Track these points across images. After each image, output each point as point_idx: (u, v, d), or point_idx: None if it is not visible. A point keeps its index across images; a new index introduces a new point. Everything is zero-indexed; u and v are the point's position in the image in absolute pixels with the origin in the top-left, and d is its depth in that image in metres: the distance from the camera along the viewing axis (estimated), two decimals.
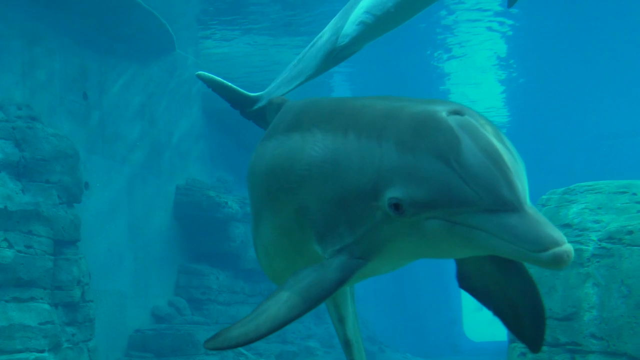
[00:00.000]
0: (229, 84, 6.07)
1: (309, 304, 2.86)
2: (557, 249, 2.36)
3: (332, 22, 6.19)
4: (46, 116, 15.78)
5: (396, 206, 2.61)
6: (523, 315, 3.31)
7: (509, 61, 25.91)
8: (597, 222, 9.86)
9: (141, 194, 19.50)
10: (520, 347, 9.91)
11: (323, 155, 2.90)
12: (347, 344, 4.16)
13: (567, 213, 10.17)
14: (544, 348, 9.65)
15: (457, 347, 33.67)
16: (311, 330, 23.76)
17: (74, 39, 17.42)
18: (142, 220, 19.43)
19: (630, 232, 9.11)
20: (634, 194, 10.20)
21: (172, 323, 19.11)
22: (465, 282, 3.27)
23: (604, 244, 9.30)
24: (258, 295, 21.75)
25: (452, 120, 2.58)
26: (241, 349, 19.48)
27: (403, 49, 22.37)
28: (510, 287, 3.24)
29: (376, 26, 5.96)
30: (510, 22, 22.05)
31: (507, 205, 2.43)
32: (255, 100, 6.12)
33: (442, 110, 2.62)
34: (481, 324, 37.32)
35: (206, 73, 6.09)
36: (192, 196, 20.71)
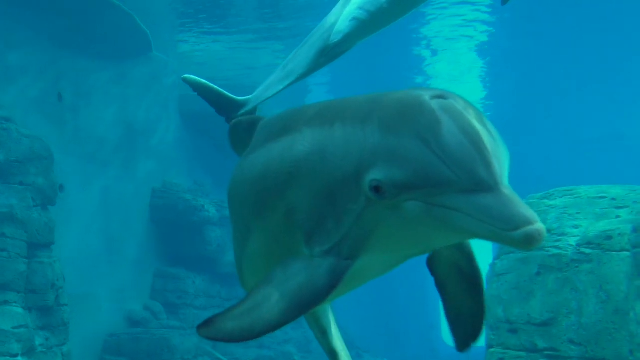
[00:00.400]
0: (216, 87, 6.03)
1: (300, 310, 2.87)
2: (528, 228, 2.38)
3: (325, 20, 6.14)
4: (20, 117, 15.68)
5: (377, 188, 2.62)
6: (464, 316, 3.41)
7: (489, 67, 26.01)
8: (576, 227, 9.91)
9: (117, 196, 19.42)
10: (498, 352, 9.94)
11: (311, 148, 2.90)
12: (333, 355, 4.15)
13: (545, 218, 10.21)
14: (522, 354, 9.68)
15: (435, 352, 33.73)
16: (288, 335, 23.73)
17: (49, 39, 17.33)
18: (118, 223, 19.35)
19: (609, 238, 9.16)
20: (613, 199, 10.26)
21: (147, 327, 19.04)
22: (431, 263, 3.35)
23: (582, 249, 9.34)
24: (234, 300, 21.57)
25: (435, 103, 2.61)
26: (218, 355, 19.43)
27: (382, 55, 22.42)
28: (463, 289, 3.35)
29: (369, 23, 5.92)
30: (489, 29, 22.15)
31: (483, 185, 2.46)
32: (242, 104, 6.09)
33: (425, 94, 2.65)
34: None
35: (192, 76, 6.04)
36: (169, 199, 20.65)
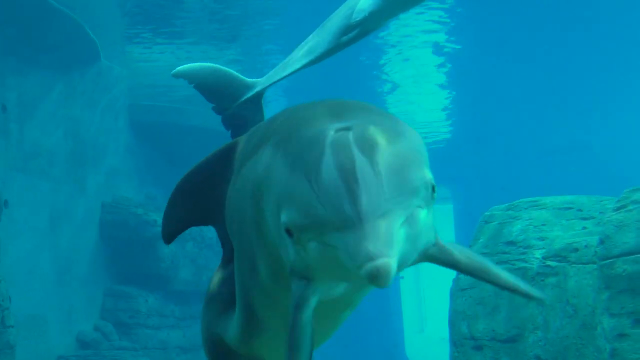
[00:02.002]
0: (222, 67, 5.87)
1: (304, 349, 2.95)
2: (368, 265, 2.35)
3: None
4: None
5: (287, 231, 2.64)
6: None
7: (451, 76, 26.17)
8: (541, 239, 10.00)
9: (65, 212, 19.26)
10: None
11: (263, 175, 2.92)
12: None
13: (510, 230, 10.31)
14: None
15: None
16: None
17: None
18: (66, 240, 19.19)
19: (576, 250, 9.25)
20: (580, 209, 10.37)
21: (98, 349, 18.88)
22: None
23: (548, 262, 9.43)
24: (189, 319, 21.59)
25: (330, 138, 2.60)
26: None
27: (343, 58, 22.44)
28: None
29: (393, 1, 5.81)
30: (450, 37, 22.32)
31: (348, 221, 2.43)
32: (250, 86, 5.92)
33: (332, 129, 2.64)
34: (423, 346, 37.51)
35: (186, 66, 5.88)
36: (119, 214, 20.53)
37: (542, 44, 23.52)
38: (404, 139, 2.69)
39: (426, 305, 43.45)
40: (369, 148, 2.56)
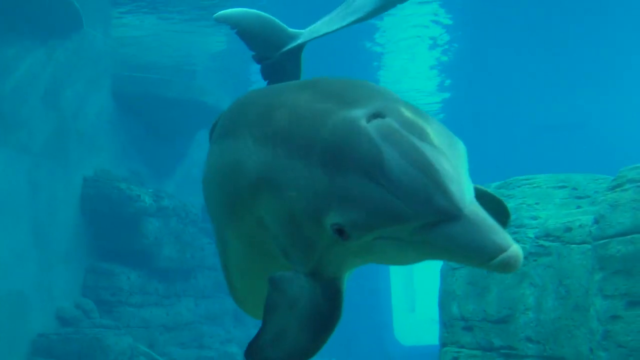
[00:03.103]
0: (266, 14, 5.67)
1: (324, 335, 2.92)
2: (502, 256, 2.37)
3: None
4: None
5: (340, 231, 2.58)
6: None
7: (445, 54, 26.15)
8: (534, 218, 10.01)
9: (45, 186, 19.20)
10: (452, 351, 10.03)
11: (260, 171, 2.85)
12: None
13: None
14: (477, 352, 9.78)
15: (387, 352, 33.89)
16: (231, 334, 23.71)
17: None
18: (46, 214, 19.14)
19: (569, 229, 9.25)
20: (574, 188, 10.37)
21: (78, 327, 18.87)
22: None
23: (541, 242, 9.44)
24: (173, 297, 21.61)
25: (373, 129, 2.54)
26: (155, 355, 19.35)
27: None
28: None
29: None
30: (448, 15, 22.27)
31: (445, 214, 2.41)
32: (292, 36, 5.72)
33: (361, 117, 2.58)
34: (412, 327, 37.64)
35: (229, 10, 5.66)
36: (101, 189, 20.46)
37: (537, 21, 23.50)
38: (425, 113, 2.67)
39: (417, 283, 43.57)
40: (419, 133, 2.53)
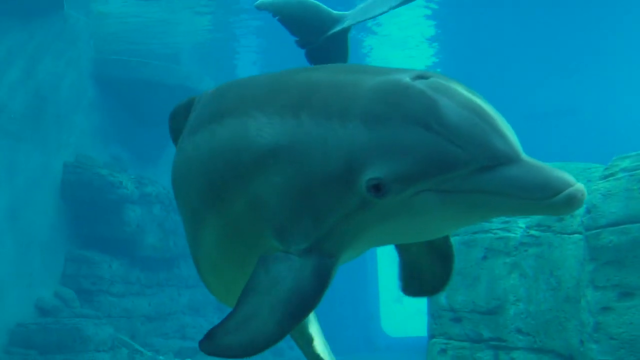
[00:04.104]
0: None
1: (295, 319, 2.86)
2: (570, 190, 2.43)
3: None
4: None
5: (377, 187, 2.58)
6: (425, 275, 3.37)
7: (439, 36, 26.19)
8: None
9: (24, 171, 19.15)
10: (440, 343, 10.05)
11: (275, 143, 2.81)
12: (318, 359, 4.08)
13: None
14: (466, 344, 9.81)
15: (373, 342, 33.98)
16: (214, 325, 23.70)
17: None
18: (25, 201, 19.09)
19: (561, 219, 9.26)
20: None
21: (58, 317, 18.85)
22: None
23: (532, 232, 9.45)
24: (155, 286, 21.61)
25: (420, 84, 2.58)
26: (137, 346, 19.35)
27: None
28: (429, 256, 3.31)
29: None
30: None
31: (504, 157, 2.47)
32: (337, 19, 5.77)
33: (405, 77, 2.62)
34: (399, 318, 37.74)
35: None
36: (82, 175, 20.42)
37: (527, 8, 23.55)
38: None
39: None
40: (469, 90, 2.60)
